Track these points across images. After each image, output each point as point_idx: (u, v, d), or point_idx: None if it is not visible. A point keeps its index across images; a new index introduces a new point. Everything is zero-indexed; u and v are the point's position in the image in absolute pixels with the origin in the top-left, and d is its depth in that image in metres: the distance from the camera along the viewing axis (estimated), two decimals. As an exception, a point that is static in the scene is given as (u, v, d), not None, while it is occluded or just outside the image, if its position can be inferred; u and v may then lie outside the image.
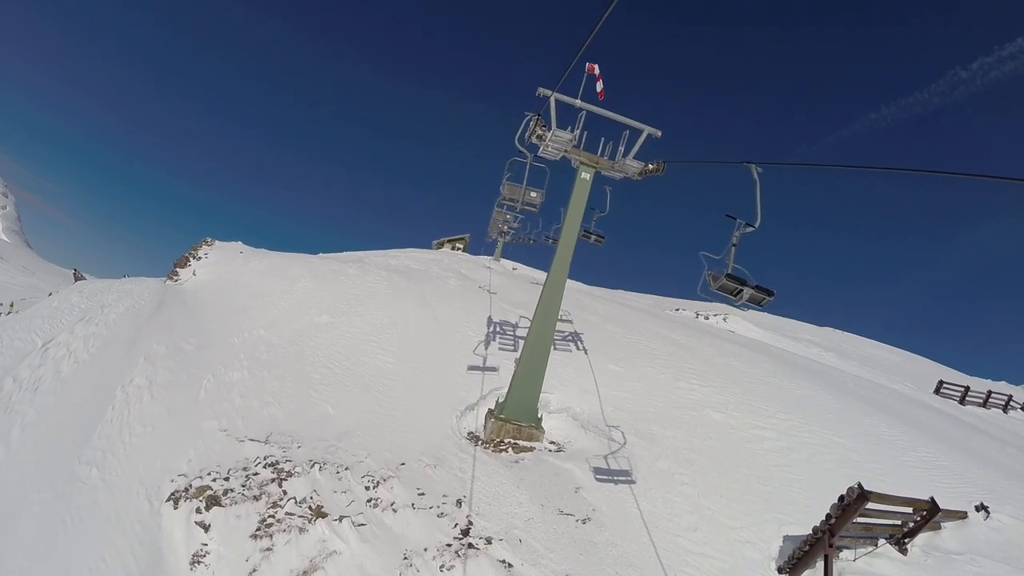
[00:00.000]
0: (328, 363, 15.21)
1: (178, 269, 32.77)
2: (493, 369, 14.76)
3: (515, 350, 15.85)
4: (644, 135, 12.38)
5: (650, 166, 12.25)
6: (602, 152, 12.56)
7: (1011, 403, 34.38)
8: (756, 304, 8.83)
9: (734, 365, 17.44)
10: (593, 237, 20.27)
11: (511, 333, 17.40)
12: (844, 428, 14.28)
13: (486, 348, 15.84)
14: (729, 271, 8.78)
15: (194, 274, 31.22)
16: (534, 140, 12.31)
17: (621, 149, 12.18)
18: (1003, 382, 61.33)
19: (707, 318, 37.24)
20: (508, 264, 40.31)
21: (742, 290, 8.59)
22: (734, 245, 8.93)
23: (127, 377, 15.21)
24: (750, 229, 8.93)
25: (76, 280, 50.08)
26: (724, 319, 36.62)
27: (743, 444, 12.52)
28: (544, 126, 11.91)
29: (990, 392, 34.10)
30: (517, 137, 12.53)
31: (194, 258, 33.87)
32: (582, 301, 23.61)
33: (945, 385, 34.74)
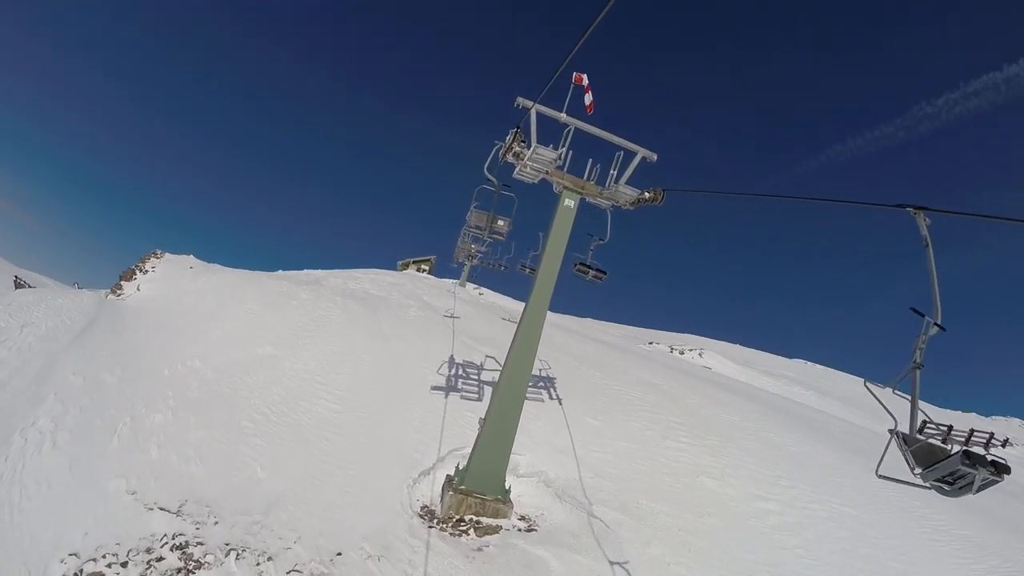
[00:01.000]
0: (265, 407, 13.04)
1: (123, 282, 30.14)
2: (455, 422, 12.74)
3: (479, 399, 13.87)
4: (638, 158, 10.64)
5: (646, 194, 10.48)
6: (589, 176, 10.76)
7: (992, 441, 33.20)
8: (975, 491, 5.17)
9: (724, 417, 15.70)
10: (591, 273, 17.33)
11: (475, 377, 15.36)
12: (853, 495, 12.64)
13: (446, 396, 13.78)
14: (916, 420, 5.68)
15: (138, 289, 28.60)
16: (510, 159, 10.47)
17: (613, 173, 10.38)
18: (972, 413, 61.09)
19: (682, 353, 35.71)
20: (474, 290, 38.19)
21: (973, 474, 4.91)
22: (919, 367, 5.46)
23: (30, 418, 12.91)
24: (936, 330, 5.39)
25: (16, 288, 46.17)
26: (700, 354, 35.09)
27: (746, 521, 10.72)
28: (523, 142, 10.08)
29: (972, 431, 32.96)
30: (486, 165, 11.39)
31: (140, 271, 31.22)
32: (552, 337, 21.68)
33: (928, 426, 33.58)
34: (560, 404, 14.33)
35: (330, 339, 16.53)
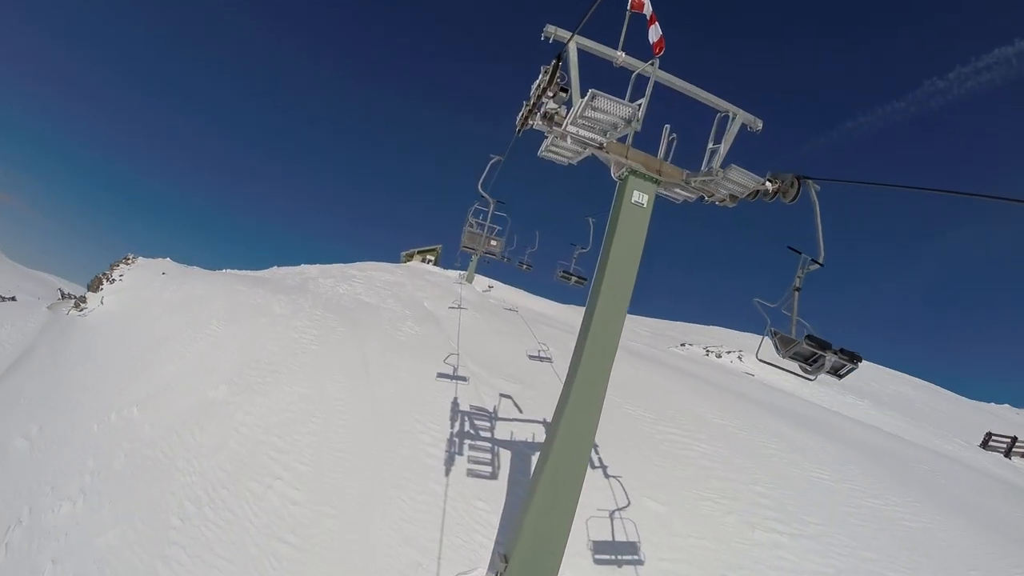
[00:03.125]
0: (202, 489, 9.55)
1: (88, 293, 26.77)
2: (461, 521, 9.09)
3: (493, 475, 10.24)
4: (736, 125, 6.97)
5: (768, 184, 6.71)
6: (667, 154, 7.08)
7: (1016, 446, 29.31)
8: (834, 374, 6.51)
9: (813, 477, 12.04)
10: (573, 279, 20.18)
11: (487, 434, 11.59)
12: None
13: (447, 473, 10.11)
14: (794, 329, 6.53)
15: (102, 302, 25.20)
16: (536, 124, 6.69)
17: (715, 149, 6.68)
18: (1006, 405, 57.53)
19: (719, 356, 32.00)
20: (482, 283, 34.54)
21: (823, 357, 6.30)
22: (797, 290, 6.69)
23: None
24: (815, 267, 6.65)
25: None
26: (739, 357, 31.42)
27: None
28: (563, 86, 6.29)
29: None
30: (480, 182, 11.15)
31: (107, 280, 27.79)
32: (570, 344, 17.98)
33: (994, 437, 30.03)
34: (605, 473, 10.66)
35: (298, 378, 12.91)
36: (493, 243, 17.36)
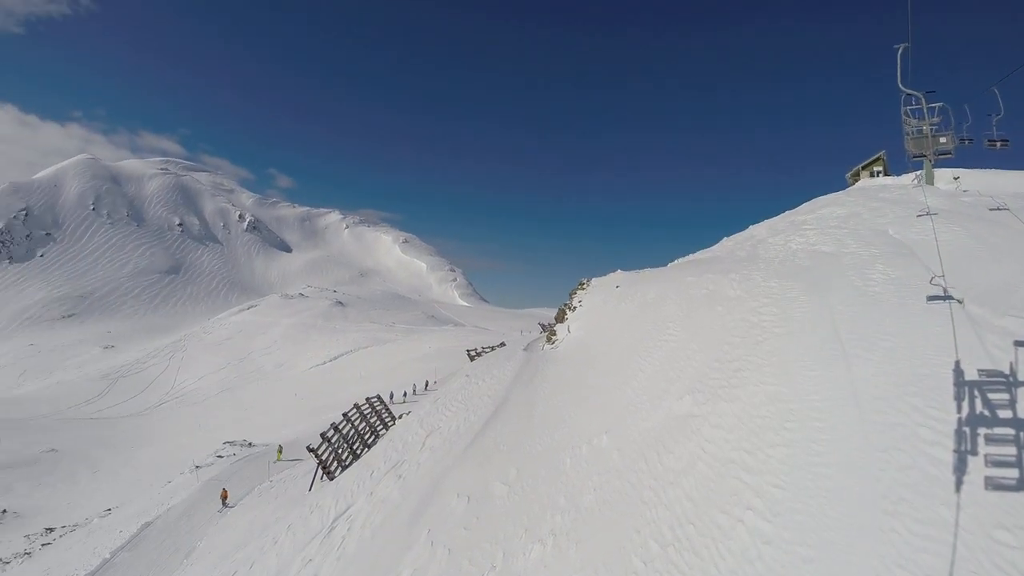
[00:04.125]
0: (665, 528, 9.13)
1: (556, 325, 29.99)
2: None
3: (1020, 486, 6.76)
4: None
5: None
6: None
7: None
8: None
9: None
10: (999, 143, 22.69)
11: (1009, 426, 7.80)
12: None
13: (956, 490, 6.78)
14: None
15: (568, 331, 27.89)
16: None
17: None
18: None
19: None
20: (943, 176, 28.16)
21: None
22: None
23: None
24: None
25: (471, 359, 51.44)
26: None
27: None
28: None
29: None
30: (899, 79, 12.85)
31: (569, 308, 30.79)
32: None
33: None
34: None
35: (764, 373, 11.34)
36: (942, 140, 17.87)
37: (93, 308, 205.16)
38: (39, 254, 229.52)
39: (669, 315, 18.36)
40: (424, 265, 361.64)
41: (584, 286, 31.99)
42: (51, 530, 53.36)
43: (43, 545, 48.97)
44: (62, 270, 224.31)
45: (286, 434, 68.96)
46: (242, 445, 63.23)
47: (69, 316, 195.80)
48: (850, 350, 10.68)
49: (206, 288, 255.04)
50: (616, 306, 24.99)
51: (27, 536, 52.59)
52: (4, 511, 59.33)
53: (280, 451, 46.60)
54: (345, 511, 18.16)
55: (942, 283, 11.78)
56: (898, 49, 16.41)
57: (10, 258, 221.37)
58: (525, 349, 29.20)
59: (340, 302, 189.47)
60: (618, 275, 31.60)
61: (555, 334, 28.53)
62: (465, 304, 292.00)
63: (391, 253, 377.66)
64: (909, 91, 15.24)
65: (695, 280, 20.24)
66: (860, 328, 11.46)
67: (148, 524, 38.24)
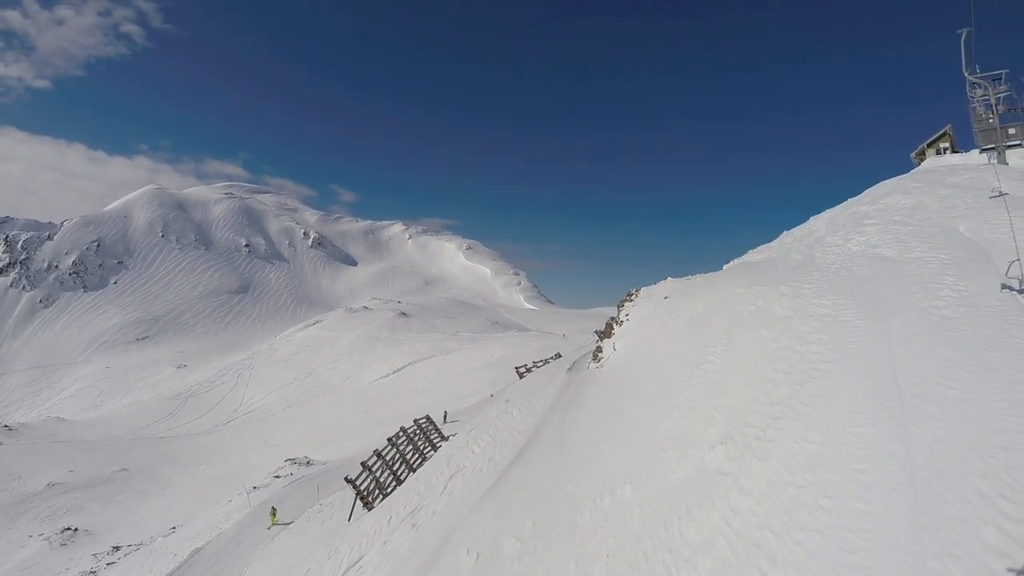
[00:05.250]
0: None
1: (603, 341, 28.09)
2: None
3: None
4: None
5: None
6: None
7: None
8: None
9: None
10: None
11: None
12: None
13: None
14: None
15: (614, 348, 26.04)
16: None
17: None
18: None
19: None
20: (1017, 155, 25.42)
21: None
22: None
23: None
24: None
25: (521, 376, 49.08)
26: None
27: None
28: None
29: None
30: (964, 67, 12.83)
31: (616, 322, 28.87)
32: None
33: None
34: None
35: (805, 423, 9.43)
36: (1011, 131, 16.72)
37: (166, 330, 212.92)
38: (112, 282, 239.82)
39: (713, 336, 16.44)
40: (488, 270, 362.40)
41: (632, 297, 30.02)
42: (118, 548, 54.58)
43: (108, 564, 50.07)
44: (135, 295, 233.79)
45: (348, 448, 69.16)
46: (301, 464, 63.56)
47: (143, 339, 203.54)
48: (909, 401, 8.64)
49: (274, 305, 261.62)
50: (663, 321, 23.06)
51: (95, 555, 54.01)
52: (76, 530, 61.21)
53: (274, 514, 38.78)
54: (357, 561, 16.97)
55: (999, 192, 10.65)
56: (961, 34, 14.86)
57: (84, 287, 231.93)
58: (570, 369, 27.50)
59: (404, 313, 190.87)
60: (668, 284, 29.47)
61: (601, 351, 26.74)
62: (530, 307, 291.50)
63: (455, 260, 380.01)
64: (975, 79, 13.54)
65: (743, 292, 18.27)
66: (923, 368, 9.38)
67: (198, 550, 38.34)
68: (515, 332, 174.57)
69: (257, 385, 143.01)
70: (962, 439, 7.63)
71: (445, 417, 59.82)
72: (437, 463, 22.75)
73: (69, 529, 60.68)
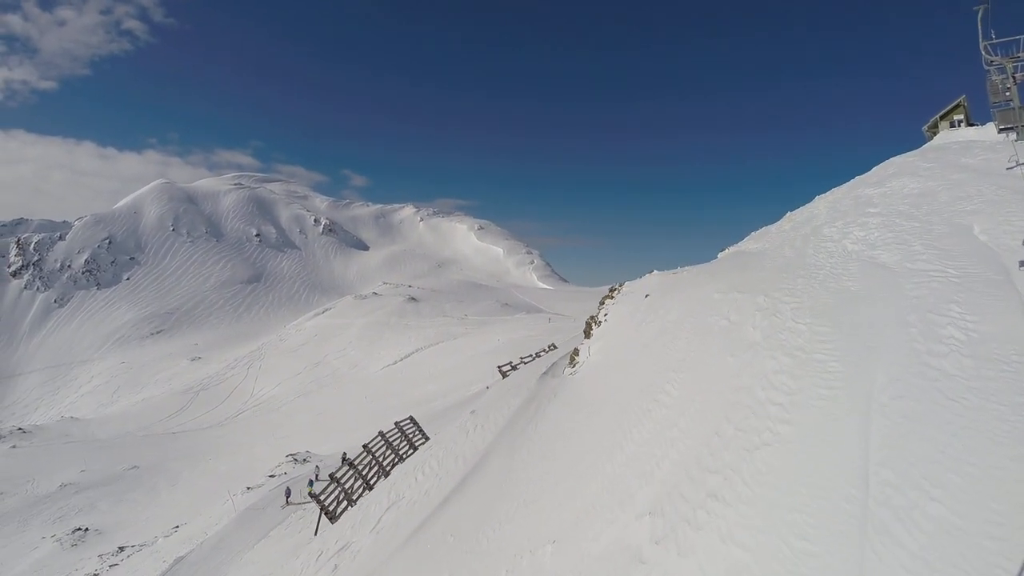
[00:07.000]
0: None
1: (583, 342, 26.34)
2: None
3: None
4: None
5: None
6: None
7: None
8: None
9: None
10: None
11: None
12: None
13: None
14: None
15: (590, 353, 24.42)
16: None
17: None
18: None
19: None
20: None
21: None
22: None
23: None
24: None
25: (504, 376, 47.21)
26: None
27: None
28: None
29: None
30: (981, 43, 11.58)
31: (595, 322, 27.16)
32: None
33: None
34: None
35: (737, 516, 7.46)
36: None
37: (180, 323, 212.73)
38: (125, 278, 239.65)
39: (676, 358, 14.54)
40: (501, 250, 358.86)
41: (614, 293, 28.21)
42: (122, 549, 53.91)
43: (111, 566, 49.46)
44: (148, 290, 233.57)
45: (354, 438, 68.15)
46: (299, 461, 62.46)
47: (157, 332, 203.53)
48: (875, 512, 6.08)
49: (287, 293, 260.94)
50: (639, 326, 21.31)
51: (100, 556, 53.47)
52: (87, 530, 60.76)
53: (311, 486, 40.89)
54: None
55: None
56: (977, 11, 14.35)
57: (98, 285, 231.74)
58: (545, 373, 25.88)
59: (413, 298, 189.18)
60: (652, 279, 27.50)
61: (577, 354, 25.09)
62: (544, 287, 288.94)
63: (467, 241, 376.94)
64: (992, 58, 11.94)
65: (720, 299, 16.38)
66: (903, 463, 6.79)
67: (181, 559, 37.51)
68: (524, 314, 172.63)
69: (267, 376, 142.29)
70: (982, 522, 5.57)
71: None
72: (378, 495, 21.30)
73: (80, 529, 60.11)
